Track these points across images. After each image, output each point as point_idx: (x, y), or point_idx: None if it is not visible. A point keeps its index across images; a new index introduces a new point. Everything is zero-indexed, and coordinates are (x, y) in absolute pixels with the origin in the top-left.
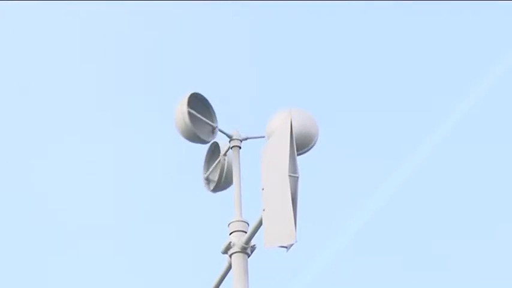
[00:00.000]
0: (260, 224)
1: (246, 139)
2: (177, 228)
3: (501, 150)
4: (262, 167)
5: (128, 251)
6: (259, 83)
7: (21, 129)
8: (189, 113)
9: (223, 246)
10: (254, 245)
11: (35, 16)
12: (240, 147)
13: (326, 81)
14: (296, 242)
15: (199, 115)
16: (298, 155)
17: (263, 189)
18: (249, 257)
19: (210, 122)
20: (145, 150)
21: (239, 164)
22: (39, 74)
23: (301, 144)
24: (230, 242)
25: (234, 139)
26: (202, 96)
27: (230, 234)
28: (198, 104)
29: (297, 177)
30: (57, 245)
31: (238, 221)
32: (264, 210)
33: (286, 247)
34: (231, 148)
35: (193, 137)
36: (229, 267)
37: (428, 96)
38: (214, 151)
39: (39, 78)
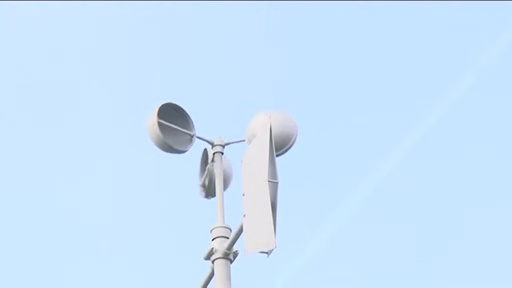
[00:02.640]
0: (242, 229)
1: (228, 144)
2: (160, 235)
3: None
4: (242, 172)
5: (110, 257)
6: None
7: (34, 131)
8: (160, 124)
9: (205, 253)
10: (236, 250)
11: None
12: (222, 153)
13: (310, 83)
14: (276, 247)
15: (172, 125)
16: (277, 155)
17: (243, 195)
18: (231, 262)
19: (186, 131)
20: (138, 156)
21: (221, 170)
22: (46, 74)
23: (279, 145)
24: (212, 248)
25: (216, 145)
26: (176, 105)
27: (212, 240)
28: (173, 113)
29: (277, 183)
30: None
31: (220, 226)
32: (244, 216)
33: (266, 253)
34: (214, 154)
35: (167, 147)
36: (212, 274)
37: (408, 97)
38: (207, 158)
39: (50, 79)
